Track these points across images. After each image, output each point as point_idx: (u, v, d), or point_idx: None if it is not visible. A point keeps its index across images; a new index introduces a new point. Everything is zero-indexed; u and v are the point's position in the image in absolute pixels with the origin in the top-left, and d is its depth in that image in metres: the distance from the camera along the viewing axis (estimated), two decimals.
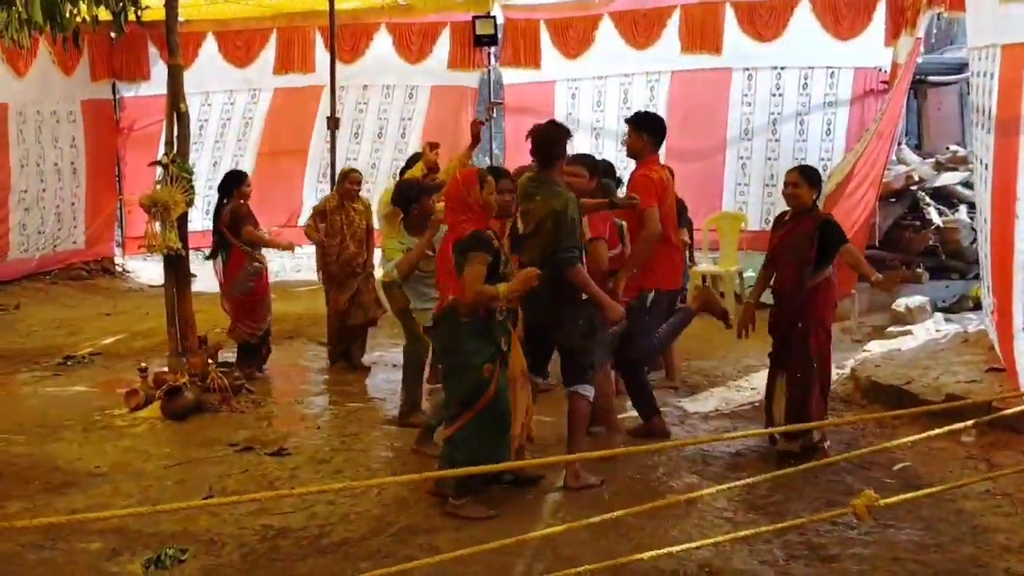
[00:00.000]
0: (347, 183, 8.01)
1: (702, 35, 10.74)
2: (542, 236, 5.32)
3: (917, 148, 11.36)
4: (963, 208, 9.80)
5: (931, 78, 11.49)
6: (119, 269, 13.29)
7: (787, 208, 5.97)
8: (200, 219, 11.85)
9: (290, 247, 8.68)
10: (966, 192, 9.65)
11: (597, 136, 11.34)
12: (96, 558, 4.66)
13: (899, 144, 10.32)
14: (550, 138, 5.51)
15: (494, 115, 11.98)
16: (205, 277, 12.00)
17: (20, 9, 6.32)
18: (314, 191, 12.56)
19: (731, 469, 5.71)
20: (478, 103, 12.25)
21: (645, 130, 6.21)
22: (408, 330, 6.65)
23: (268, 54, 12.60)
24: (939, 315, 8.63)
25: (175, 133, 7.14)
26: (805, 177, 5.81)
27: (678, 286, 6.55)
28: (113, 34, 11.78)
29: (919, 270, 9.44)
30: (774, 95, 10.76)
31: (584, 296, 5.38)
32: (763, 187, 10.70)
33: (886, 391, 6.74)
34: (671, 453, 5.87)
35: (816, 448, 5.79)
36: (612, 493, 5.35)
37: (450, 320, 5.01)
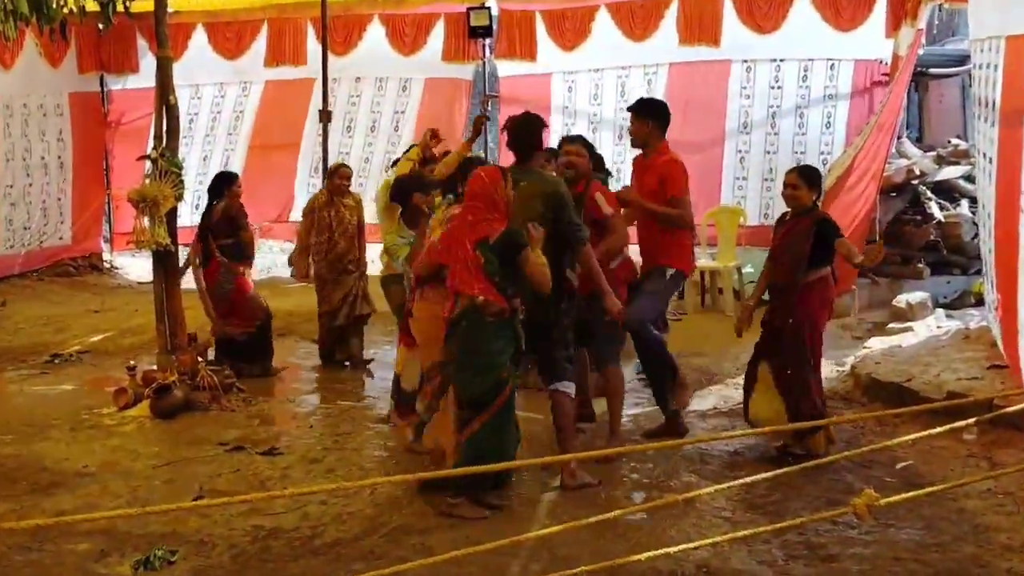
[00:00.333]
0: (336, 178, 7.93)
1: (700, 27, 10.64)
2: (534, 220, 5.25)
3: (918, 141, 11.31)
4: (965, 202, 9.77)
5: (932, 70, 11.43)
6: (107, 265, 13.18)
7: (788, 208, 5.97)
8: (189, 215, 11.74)
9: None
10: (968, 186, 9.61)
11: (594, 130, 11.23)
12: (84, 560, 4.61)
13: (900, 137, 10.27)
14: (528, 129, 5.54)
15: (489, 108, 11.87)
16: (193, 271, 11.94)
17: (6, 0, 6.21)
18: (306, 186, 12.46)
19: (729, 468, 5.67)
20: (473, 96, 12.15)
21: (650, 116, 6.13)
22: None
23: (259, 46, 12.45)
24: (940, 311, 8.58)
25: (164, 126, 7.08)
26: (804, 178, 5.81)
27: (692, 268, 6.58)
28: (101, 25, 11.49)
29: (920, 265, 9.41)
30: (773, 88, 10.67)
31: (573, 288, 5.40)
32: (762, 181, 10.60)
33: (886, 388, 6.70)
34: (668, 452, 5.84)
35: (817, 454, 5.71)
36: (609, 493, 5.32)
37: (472, 320, 4.97)
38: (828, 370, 7.42)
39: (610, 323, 5.69)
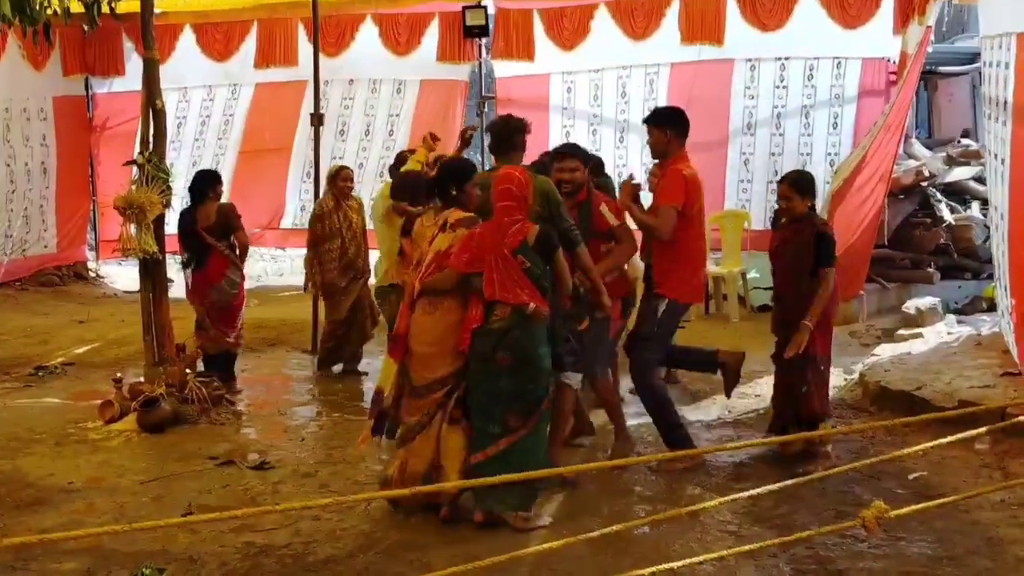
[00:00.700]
0: (340, 181, 7.85)
1: (703, 25, 10.55)
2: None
3: (929, 138, 11.27)
4: (975, 204, 9.75)
5: (942, 68, 11.41)
6: (92, 274, 13.10)
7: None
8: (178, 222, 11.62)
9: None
10: (979, 187, 9.57)
11: (594, 132, 11.16)
12: None
13: (909, 138, 10.20)
14: (506, 131, 5.61)
15: (486, 110, 11.76)
16: (183, 283, 11.81)
17: None
18: (298, 191, 12.35)
19: (735, 480, 5.63)
20: (469, 97, 12.05)
21: (668, 126, 5.98)
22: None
23: (249, 47, 12.34)
24: (951, 317, 8.59)
25: (151, 131, 7.00)
26: (796, 189, 5.80)
27: (697, 300, 6.39)
28: (86, 27, 11.53)
29: (930, 270, 9.38)
30: (778, 87, 10.59)
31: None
32: (767, 184, 10.48)
33: (896, 397, 6.69)
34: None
35: (817, 454, 5.75)
36: (611, 506, 5.26)
37: (524, 328, 4.93)
38: (836, 378, 7.40)
39: (596, 337, 5.64)
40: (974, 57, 10.14)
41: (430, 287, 5.07)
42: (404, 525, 5.03)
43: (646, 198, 6.01)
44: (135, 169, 6.99)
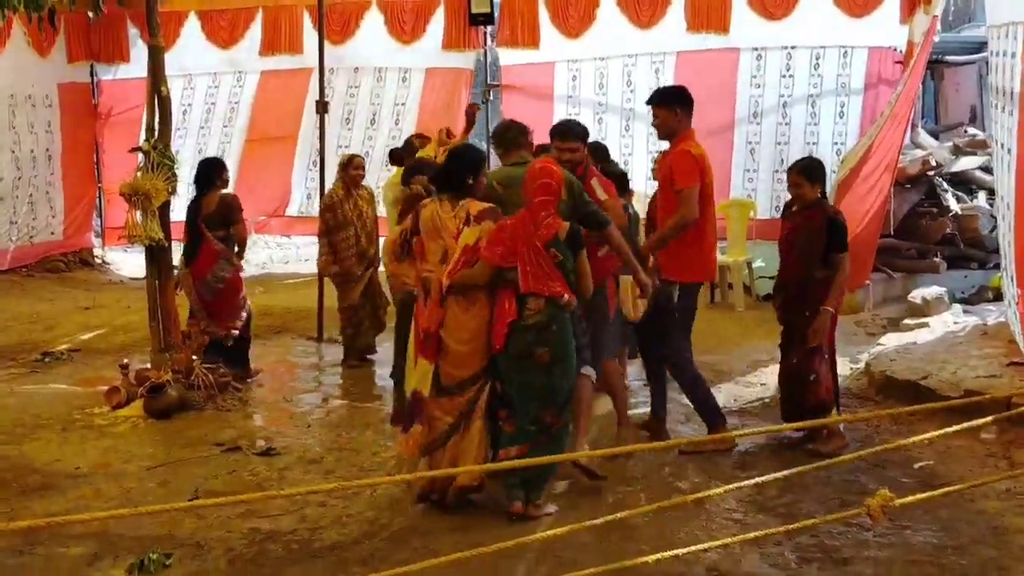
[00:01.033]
0: (351, 169, 7.81)
1: (708, 14, 10.51)
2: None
3: (936, 126, 11.23)
4: (982, 194, 9.71)
5: (948, 58, 11.35)
6: (98, 261, 13.06)
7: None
8: (183, 209, 11.61)
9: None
10: (985, 177, 9.53)
11: (600, 120, 11.12)
12: (77, 563, 4.55)
13: (915, 127, 10.15)
14: (515, 131, 5.59)
15: (491, 98, 11.73)
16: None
17: None
18: (304, 180, 12.33)
19: (740, 468, 5.60)
20: (474, 85, 12.00)
21: (677, 104, 5.96)
22: (402, 320, 6.42)
23: (254, 34, 12.30)
24: (957, 306, 8.55)
25: (156, 118, 6.98)
26: (805, 176, 5.80)
27: (711, 277, 6.36)
28: (91, 13, 11.38)
29: (936, 259, 9.35)
30: (784, 76, 10.55)
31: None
32: (773, 173, 10.47)
33: (902, 386, 6.65)
34: (678, 452, 5.74)
35: (833, 433, 5.81)
36: (615, 493, 5.25)
37: (561, 321, 4.87)
38: (842, 367, 7.36)
39: (600, 319, 5.59)
40: (981, 46, 10.10)
41: (461, 283, 4.89)
42: (410, 511, 5.02)
43: (651, 185, 6.01)
44: (140, 156, 6.97)
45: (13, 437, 6.34)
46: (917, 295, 8.54)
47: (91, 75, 12.82)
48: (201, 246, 7.27)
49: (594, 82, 11.27)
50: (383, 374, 7.68)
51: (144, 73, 7.17)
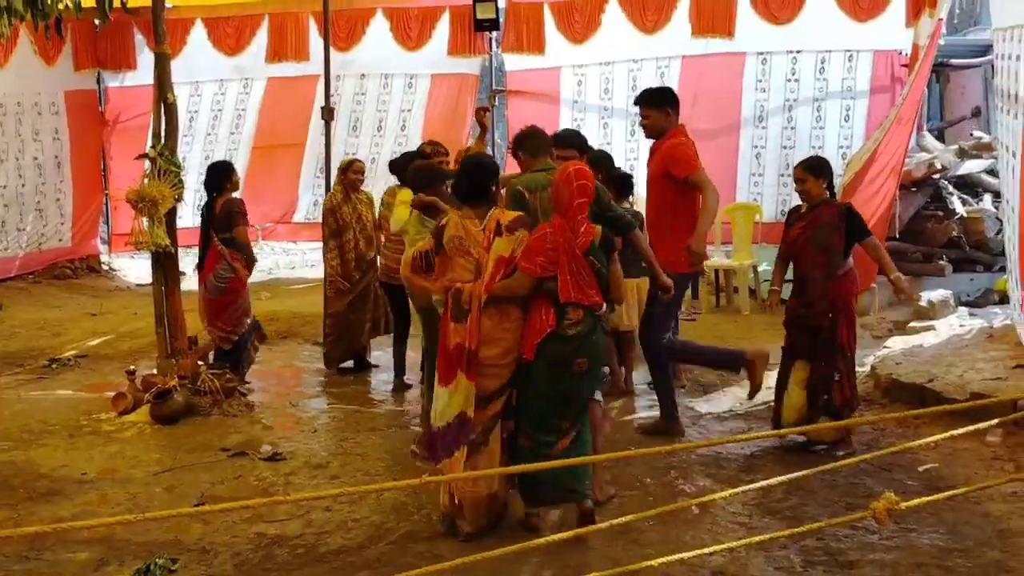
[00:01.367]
0: (351, 173, 7.79)
1: (713, 18, 10.53)
2: None
3: (941, 122, 11.20)
4: (987, 197, 9.66)
5: (953, 61, 11.31)
6: (105, 267, 13.09)
7: (801, 203, 5.97)
8: (191, 215, 11.64)
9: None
10: (991, 180, 9.49)
11: (605, 125, 11.13)
12: (83, 568, 4.55)
13: (921, 131, 10.13)
14: (542, 136, 5.55)
15: (496, 103, 11.75)
16: (195, 276, 11.82)
17: None
18: (311, 186, 12.36)
19: (746, 471, 5.60)
20: (480, 91, 12.02)
21: (668, 104, 6.07)
22: (428, 329, 6.42)
23: (260, 41, 12.34)
24: (963, 309, 8.52)
25: (163, 125, 6.96)
26: (809, 170, 5.81)
27: (700, 268, 6.40)
28: (97, 21, 11.55)
29: (942, 262, 9.32)
30: (790, 80, 10.56)
31: None
32: (778, 177, 10.48)
33: (908, 389, 6.64)
34: (683, 455, 5.78)
35: (844, 442, 5.83)
36: (620, 498, 5.24)
37: (599, 331, 4.76)
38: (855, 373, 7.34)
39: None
40: (986, 50, 10.06)
41: (501, 295, 4.67)
42: (415, 516, 5.01)
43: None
44: (147, 163, 6.96)
45: (20, 443, 6.34)
46: (923, 298, 8.51)
47: (98, 82, 12.86)
48: (208, 250, 7.30)
49: (599, 87, 11.29)
50: (386, 378, 7.70)
51: (151, 80, 7.15)
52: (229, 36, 12.40)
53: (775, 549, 4.50)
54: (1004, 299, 8.30)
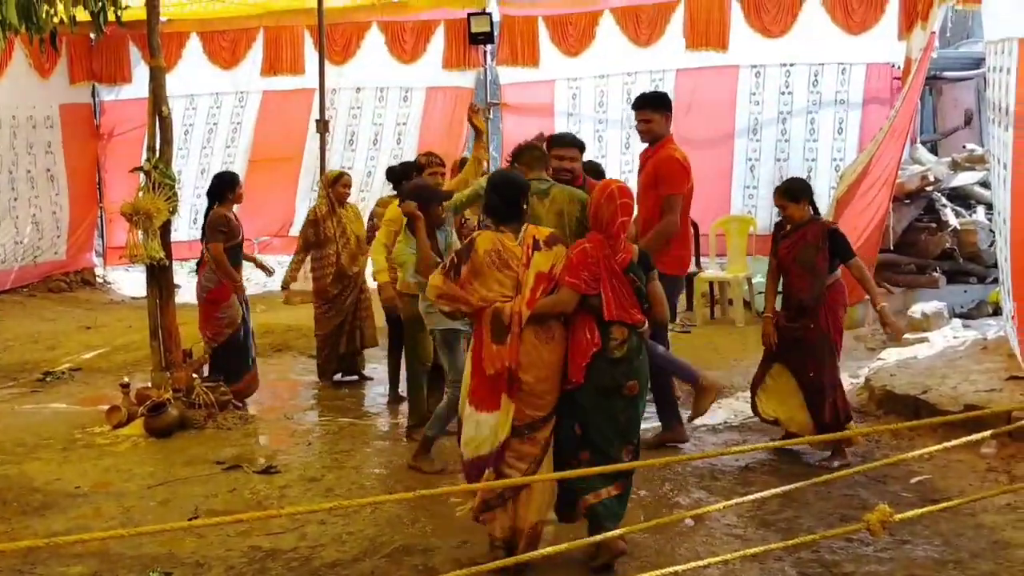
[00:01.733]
0: (340, 186, 7.75)
1: (707, 31, 10.57)
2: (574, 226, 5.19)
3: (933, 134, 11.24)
4: (981, 209, 9.68)
5: (946, 73, 11.35)
6: (100, 280, 13.06)
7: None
8: (186, 228, 11.65)
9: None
10: (984, 192, 9.52)
11: (600, 138, 11.15)
12: None
13: (914, 143, 10.17)
14: (536, 149, 5.51)
15: (491, 116, 11.77)
16: (189, 289, 11.79)
17: None
18: (307, 200, 12.30)
19: (740, 484, 5.60)
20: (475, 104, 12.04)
21: (665, 108, 6.12)
22: (411, 343, 6.42)
23: (255, 55, 12.36)
24: (957, 321, 8.52)
25: (158, 138, 6.96)
26: (787, 196, 5.95)
27: (683, 272, 6.44)
28: (92, 35, 11.53)
29: (935, 274, 9.33)
30: (783, 93, 10.60)
31: None
32: (772, 189, 10.46)
33: (902, 401, 6.67)
34: (678, 467, 5.77)
35: (838, 452, 5.93)
36: None
37: (643, 350, 4.59)
38: (842, 382, 7.33)
39: None
40: (979, 62, 10.09)
41: (545, 312, 4.47)
42: (409, 529, 5.00)
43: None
44: (142, 176, 6.96)
45: (14, 456, 6.33)
46: (917, 310, 8.51)
47: (93, 96, 12.87)
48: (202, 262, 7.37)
49: (594, 99, 11.31)
50: (381, 391, 7.70)
51: (146, 93, 7.16)
52: (224, 50, 12.41)
53: (770, 561, 4.51)
54: (997, 311, 8.31)
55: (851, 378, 7.48)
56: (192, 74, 12.29)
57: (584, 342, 4.44)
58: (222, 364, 7.32)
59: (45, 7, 6.44)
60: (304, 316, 9.17)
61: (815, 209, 6.03)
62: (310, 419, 7.20)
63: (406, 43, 11.83)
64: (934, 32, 8.45)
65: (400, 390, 7.38)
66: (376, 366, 8.27)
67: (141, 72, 11.68)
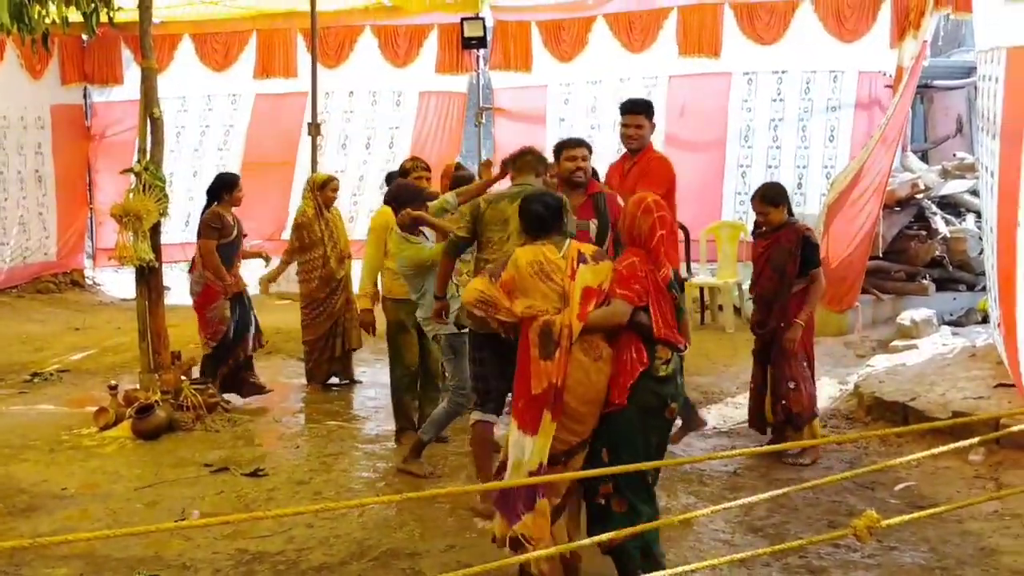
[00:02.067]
0: (329, 191, 7.74)
1: (700, 38, 10.60)
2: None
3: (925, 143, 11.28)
4: (971, 217, 9.71)
5: (937, 82, 11.40)
6: (89, 282, 13.01)
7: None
8: (177, 231, 11.61)
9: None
10: (974, 200, 9.55)
11: (592, 143, 11.16)
12: None
13: (905, 151, 10.21)
14: (527, 155, 5.48)
15: (484, 121, 11.78)
16: (179, 290, 11.75)
17: None
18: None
19: (729, 489, 5.59)
20: (467, 107, 12.04)
21: (652, 116, 6.14)
22: (394, 348, 6.41)
23: (248, 57, 12.32)
24: (946, 328, 8.54)
25: (149, 140, 6.94)
26: (766, 202, 6.09)
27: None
28: (84, 36, 11.53)
29: (925, 282, 9.36)
30: (775, 100, 10.63)
31: None
32: None
33: (890, 407, 6.69)
34: (666, 472, 5.69)
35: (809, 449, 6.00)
36: None
37: (681, 372, 4.38)
38: (831, 389, 7.41)
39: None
40: (970, 71, 10.14)
41: (599, 325, 4.23)
42: (396, 533, 4.99)
43: None
44: (132, 177, 6.95)
45: (0, 457, 6.30)
46: (906, 317, 8.53)
47: (84, 97, 12.82)
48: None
49: (587, 105, 11.34)
50: (369, 395, 7.68)
51: (137, 95, 7.15)
52: (217, 52, 12.38)
53: (757, 567, 4.51)
54: (986, 318, 8.33)
55: (840, 384, 7.51)
56: (184, 76, 12.26)
57: (630, 361, 4.19)
58: (214, 365, 7.36)
59: (37, 8, 6.43)
60: (291, 319, 9.15)
61: (790, 212, 6.18)
62: (298, 422, 7.18)
63: (399, 47, 11.83)
64: (926, 41, 8.51)
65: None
66: (366, 369, 8.26)
67: (133, 73, 11.64)
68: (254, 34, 12.26)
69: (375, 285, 6.66)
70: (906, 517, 3.70)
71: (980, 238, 8.99)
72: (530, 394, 4.21)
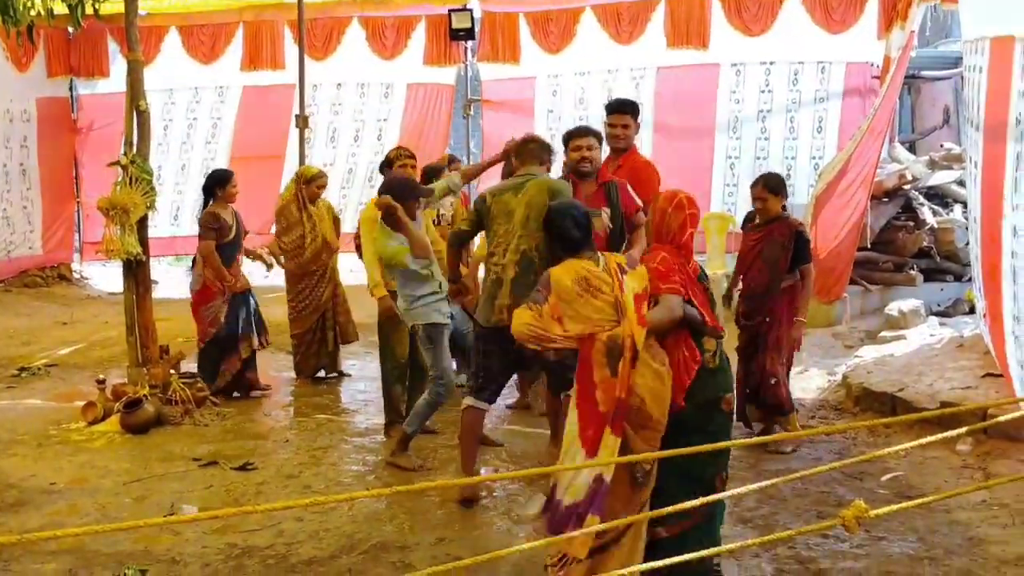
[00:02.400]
0: (315, 186, 7.70)
1: (688, 29, 10.62)
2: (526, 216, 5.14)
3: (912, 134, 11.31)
4: (958, 208, 9.75)
5: (925, 73, 11.42)
6: (76, 275, 12.97)
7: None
8: (165, 224, 11.57)
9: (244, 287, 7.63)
10: (961, 191, 9.58)
11: None
12: None
13: (893, 141, 10.24)
14: (530, 144, 5.45)
15: (472, 112, 11.77)
16: (167, 284, 11.71)
17: None
18: None
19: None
20: (455, 99, 12.02)
21: (638, 117, 6.14)
22: (385, 340, 6.39)
23: (235, 49, 12.27)
24: (933, 319, 8.58)
25: (135, 133, 6.91)
26: (770, 189, 6.06)
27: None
28: (70, 28, 11.44)
29: (912, 272, 9.40)
30: (763, 91, 10.66)
31: None
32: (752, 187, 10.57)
33: (878, 398, 6.71)
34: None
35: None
36: None
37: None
38: (819, 379, 7.41)
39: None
40: (957, 62, 10.16)
41: (658, 323, 4.09)
42: (386, 526, 4.99)
43: None
44: (119, 170, 6.92)
45: None
46: (894, 308, 8.56)
47: (70, 89, 12.75)
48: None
49: (575, 96, 11.34)
50: (359, 388, 7.67)
51: (124, 88, 7.12)
52: (203, 44, 12.32)
53: (747, 557, 4.53)
54: (974, 309, 8.35)
55: (828, 375, 7.53)
56: (171, 68, 12.19)
57: (684, 359, 4.10)
58: (206, 363, 7.38)
59: (22, 0, 6.38)
60: (280, 313, 9.13)
61: (785, 205, 6.17)
62: (287, 415, 7.17)
63: (387, 39, 11.80)
64: (913, 31, 8.52)
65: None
66: (355, 362, 8.25)
67: (119, 66, 11.56)
68: (241, 26, 12.20)
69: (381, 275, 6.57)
70: (894, 507, 3.69)
71: (967, 228, 9.04)
72: (600, 415, 4.05)
